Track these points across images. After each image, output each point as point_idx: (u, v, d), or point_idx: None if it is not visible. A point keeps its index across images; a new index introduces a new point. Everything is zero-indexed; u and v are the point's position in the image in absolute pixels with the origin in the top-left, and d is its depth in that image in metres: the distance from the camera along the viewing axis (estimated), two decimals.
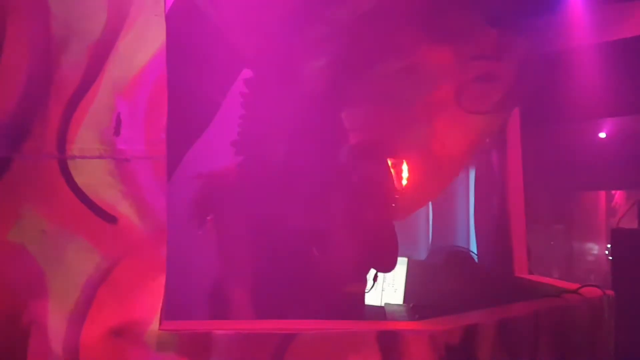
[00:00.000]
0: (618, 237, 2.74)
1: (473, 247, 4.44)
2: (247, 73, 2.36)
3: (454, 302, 2.86)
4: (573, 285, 2.73)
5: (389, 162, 2.75)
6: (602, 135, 5.97)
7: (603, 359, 2.56)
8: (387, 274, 3.55)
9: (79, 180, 1.68)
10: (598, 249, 6.63)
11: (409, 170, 3.19)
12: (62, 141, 1.69)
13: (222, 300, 2.44)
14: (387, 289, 3.76)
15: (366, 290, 2.68)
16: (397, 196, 2.70)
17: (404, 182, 2.97)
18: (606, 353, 2.60)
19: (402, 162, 2.94)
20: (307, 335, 1.73)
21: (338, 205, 2.59)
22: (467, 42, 2.84)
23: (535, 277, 3.32)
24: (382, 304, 3.43)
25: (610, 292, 2.66)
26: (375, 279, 2.69)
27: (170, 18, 1.82)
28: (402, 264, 3.73)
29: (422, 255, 4.62)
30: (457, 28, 2.77)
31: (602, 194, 6.83)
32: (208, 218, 2.60)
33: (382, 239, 2.55)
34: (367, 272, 2.75)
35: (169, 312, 1.74)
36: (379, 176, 2.62)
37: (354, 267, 2.63)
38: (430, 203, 4.84)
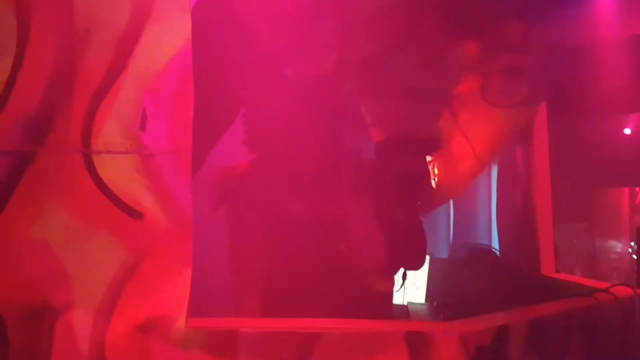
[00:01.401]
0: None
1: (495, 245, 4.37)
2: (269, 69, 2.33)
3: (478, 301, 2.81)
4: (602, 284, 2.66)
5: (427, 159, 2.71)
6: (627, 131, 5.84)
7: (634, 359, 2.49)
8: (409, 272, 3.51)
9: (104, 175, 1.66)
10: (621, 247, 6.50)
11: (434, 166, 3.15)
12: (87, 136, 1.67)
13: (233, 296, 2.42)
14: (408, 287, 3.72)
15: (395, 290, 2.65)
16: (433, 193, 2.66)
17: (436, 179, 2.93)
18: (637, 352, 2.53)
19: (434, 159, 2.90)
20: (334, 334, 1.70)
21: (365, 200, 2.55)
22: (493, 35, 2.79)
23: (563, 276, 3.25)
24: (405, 303, 3.39)
25: None
26: (404, 277, 2.65)
27: (196, 12, 1.79)
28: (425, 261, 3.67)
29: (444, 253, 4.56)
30: (484, 20, 2.71)
31: (626, 191, 6.69)
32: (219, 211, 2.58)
33: (411, 236, 2.51)
34: (396, 270, 2.71)
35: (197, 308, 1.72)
36: (417, 173, 2.58)
37: (383, 264, 2.60)
38: (451, 200, 4.78)
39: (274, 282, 2.43)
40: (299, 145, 2.46)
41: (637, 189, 6.66)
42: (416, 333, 1.72)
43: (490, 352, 1.78)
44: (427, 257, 3.75)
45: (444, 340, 1.70)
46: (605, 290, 2.46)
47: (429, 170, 2.66)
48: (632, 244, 6.36)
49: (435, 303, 3.12)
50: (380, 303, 2.55)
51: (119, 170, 1.67)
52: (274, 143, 2.49)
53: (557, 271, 3.28)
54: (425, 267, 3.73)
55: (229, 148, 2.49)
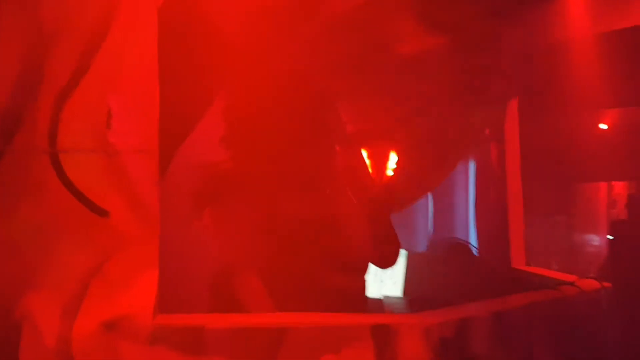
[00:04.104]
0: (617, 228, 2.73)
1: (473, 240, 4.44)
2: (239, 67, 2.35)
3: (453, 295, 2.86)
4: (570, 277, 2.72)
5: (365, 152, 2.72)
6: (603, 126, 5.93)
7: (600, 352, 2.55)
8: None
9: (71, 174, 1.67)
10: (599, 241, 6.60)
11: (407, 161, 3.18)
12: (54, 135, 1.68)
13: (229, 292, 2.42)
14: (386, 281, 3.76)
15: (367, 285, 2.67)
16: (373, 187, 2.67)
17: (390, 172, 2.95)
18: (604, 346, 2.59)
19: (389, 152, 2.92)
20: (302, 329, 1.73)
21: (336, 196, 2.58)
22: (465, 33, 2.83)
23: (532, 269, 3.31)
24: (380, 297, 3.43)
25: (607, 284, 2.65)
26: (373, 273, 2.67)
27: (163, 11, 1.80)
28: (401, 256, 3.72)
29: (422, 247, 4.62)
30: (456, 19, 2.74)
31: (603, 185, 6.79)
32: (206, 210, 2.59)
33: (377, 233, 2.53)
34: (366, 264, 2.74)
35: (171, 306, 1.74)
36: (355, 166, 2.60)
37: (352, 258, 2.62)
38: (430, 195, 4.84)
39: (264, 277, 2.43)
40: (278, 141, 2.48)
41: (614, 183, 6.77)
42: (382, 326, 1.76)
43: (455, 342, 1.82)
44: (405, 252, 3.80)
45: (407, 332, 1.74)
46: (571, 283, 2.52)
47: (363, 163, 2.66)
48: (609, 237, 6.45)
49: (409, 297, 3.16)
50: (354, 296, 2.57)
51: (85, 169, 1.68)
52: (253, 140, 2.50)
53: (528, 264, 3.35)
54: (403, 262, 3.78)
55: (203, 145, 2.50)
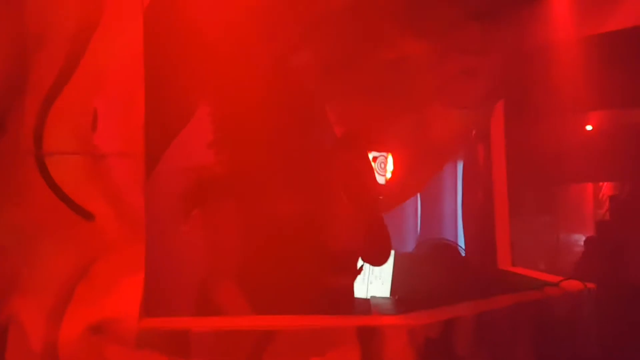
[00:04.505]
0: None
1: (461, 240, 4.47)
2: (224, 70, 2.35)
3: (440, 295, 2.88)
4: (555, 278, 2.75)
5: (369, 155, 2.74)
6: (589, 127, 6.00)
7: (584, 352, 2.58)
8: (375, 267, 3.56)
9: (56, 176, 1.67)
10: (585, 241, 6.66)
11: (394, 163, 3.20)
12: (39, 137, 1.68)
13: (211, 296, 2.43)
14: (374, 281, 3.78)
15: (356, 284, 2.68)
16: (378, 189, 2.70)
17: (389, 175, 2.97)
18: (587, 346, 2.63)
19: (386, 155, 2.94)
20: (288, 331, 1.74)
21: (326, 196, 2.58)
22: (450, 36, 2.85)
23: (518, 270, 3.34)
24: (369, 297, 3.44)
25: (591, 285, 2.68)
26: (360, 270, 2.69)
27: (148, 14, 1.80)
28: (390, 255, 3.74)
29: (410, 247, 4.64)
30: (440, 22, 2.76)
31: (590, 186, 6.86)
32: (193, 213, 2.59)
33: (370, 232, 2.54)
34: (355, 263, 2.75)
35: (157, 309, 1.74)
36: (358, 168, 2.61)
37: (343, 258, 2.63)
38: (418, 196, 4.87)
39: (252, 279, 2.44)
40: (265, 143, 2.48)
41: (600, 183, 6.84)
42: (367, 328, 1.77)
43: (439, 344, 1.84)
44: (393, 252, 3.82)
45: (393, 334, 1.75)
46: (555, 284, 2.54)
47: (369, 166, 2.68)
48: (590, 236, 6.51)
49: (397, 297, 3.18)
50: (342, 296, 2.59)
51: (70, 172, 1.68)
52: (241, 142, 2.51)
53: (514, 265, 3.38)
54: (391, 262, 3.79)
55: (190, 149, 2.50)
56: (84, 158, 1.69)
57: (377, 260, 2.77)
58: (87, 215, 1.66)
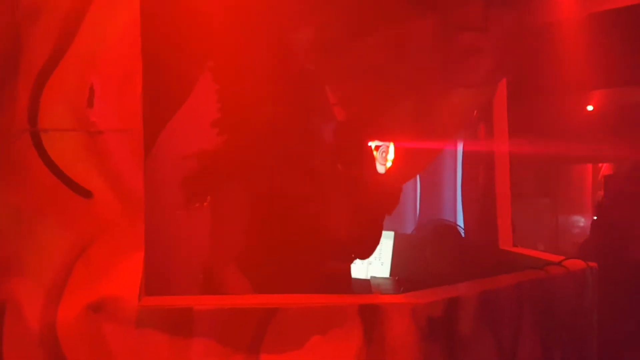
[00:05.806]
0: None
1: (460, 221, 4.46)
2: (224, 47, 2.31)
3: (440, 276, 2.87)
4: (557, 258, 2.74)
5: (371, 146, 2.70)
6: (590, 108, 5.97)
7: (586, 332, 2.58)
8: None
9: (52, 154, 1.64)
10: (584, 222, 6.68)
11: (395, 152, 3.16)
12: (34, 115, 1.64)
13: (214, 277, 2.41)
14: (374, 262, 3.77)
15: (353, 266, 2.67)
16: (381, 184, 2.66)
17: (389, 164, 2.94)
18: (589, 325, 2.62)
19: (388, 144, 2.90)
20: (290, 309, 1.72)
21: (326, 180, 2.56)
22: (453, 14, 2.79)
23: (519, 250, 3.33)
24: (369, 278, 3.44)
25: (593, 264, 2.68)
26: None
27: None
28: (389, 238, 3.73)
29: (410, 228, 4.63)
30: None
31: (589, 166, 6.86)
32: (205, 203, 2.55)
33: (364, 227, 2.51)
34: (348, 254, 2.73)
35: (157, 290, 1.72)
36: (358, 159, 2.58)
37: (341, 242, 2.61)
38: (418, 177, 4.84)
39: (254, 261, 2.42)
40: (254, 128, 2.44)
41: (600, 165, 6.83)
42: (370, 306, 1.76)
43: (442, 322, 1.82)
44: (392, 233, 3.81)
45: (395, 312, 1.74)
46: (558, 264, 2.53)
47: (370, 154, 2.65)
48: (595, 218, 6.52)
49: (396, 278, 3.17)
50: (340, 277, 2.57)
51: (67, 149, 1.65)
52: (242, 123, 2.47)
53: (515, 245, 3.37)
54: (391, 243, 3.78)
55: (191, 132, 2.47)
56: (81, 135, 1.65)
57: (363, 256, 2.76)
58: (85, 193, 1.64)
